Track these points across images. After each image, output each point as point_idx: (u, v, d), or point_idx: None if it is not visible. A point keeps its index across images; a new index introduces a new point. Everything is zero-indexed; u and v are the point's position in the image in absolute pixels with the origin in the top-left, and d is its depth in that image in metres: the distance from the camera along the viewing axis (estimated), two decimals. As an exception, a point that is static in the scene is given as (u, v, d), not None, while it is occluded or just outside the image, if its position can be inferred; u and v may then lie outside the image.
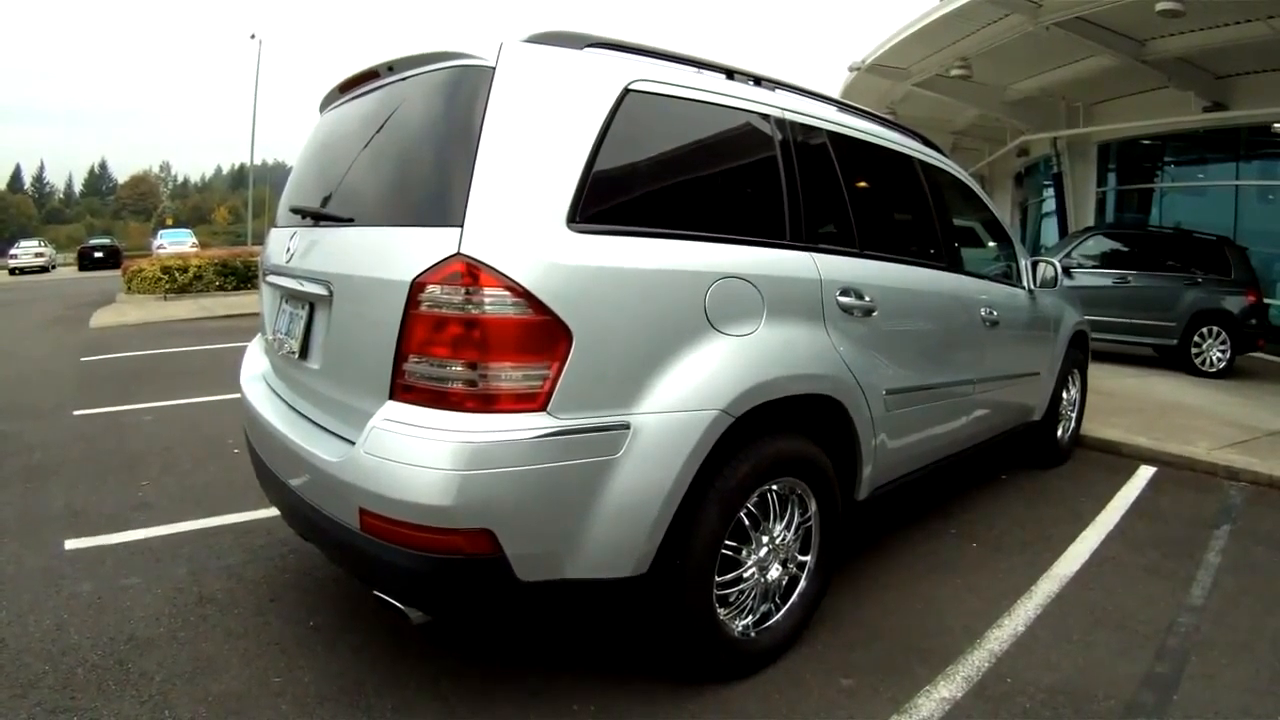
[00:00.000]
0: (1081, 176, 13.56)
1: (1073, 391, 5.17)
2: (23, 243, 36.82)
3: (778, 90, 2.78)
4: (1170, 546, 3.72)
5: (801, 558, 2.60)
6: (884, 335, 2.86)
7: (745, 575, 2.38)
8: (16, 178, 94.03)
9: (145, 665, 2.49)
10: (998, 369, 3.90)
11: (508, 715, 2.27)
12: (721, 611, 2.32)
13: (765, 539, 2.44)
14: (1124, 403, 6.71)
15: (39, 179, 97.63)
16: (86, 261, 32.69)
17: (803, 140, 2.67)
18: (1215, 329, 8.06)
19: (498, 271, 1.76)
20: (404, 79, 2.27)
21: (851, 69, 14.62)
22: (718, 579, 2.26)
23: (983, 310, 3.66)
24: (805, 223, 2.57)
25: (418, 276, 1.81)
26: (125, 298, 16.39)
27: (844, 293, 2.64)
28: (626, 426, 1.90)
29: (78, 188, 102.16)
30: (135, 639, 2.66)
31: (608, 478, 1.87)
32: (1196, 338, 8.17)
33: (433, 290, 1.78)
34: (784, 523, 2.50)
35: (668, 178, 2.25)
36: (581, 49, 2.15)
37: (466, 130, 1.87)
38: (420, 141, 2.08)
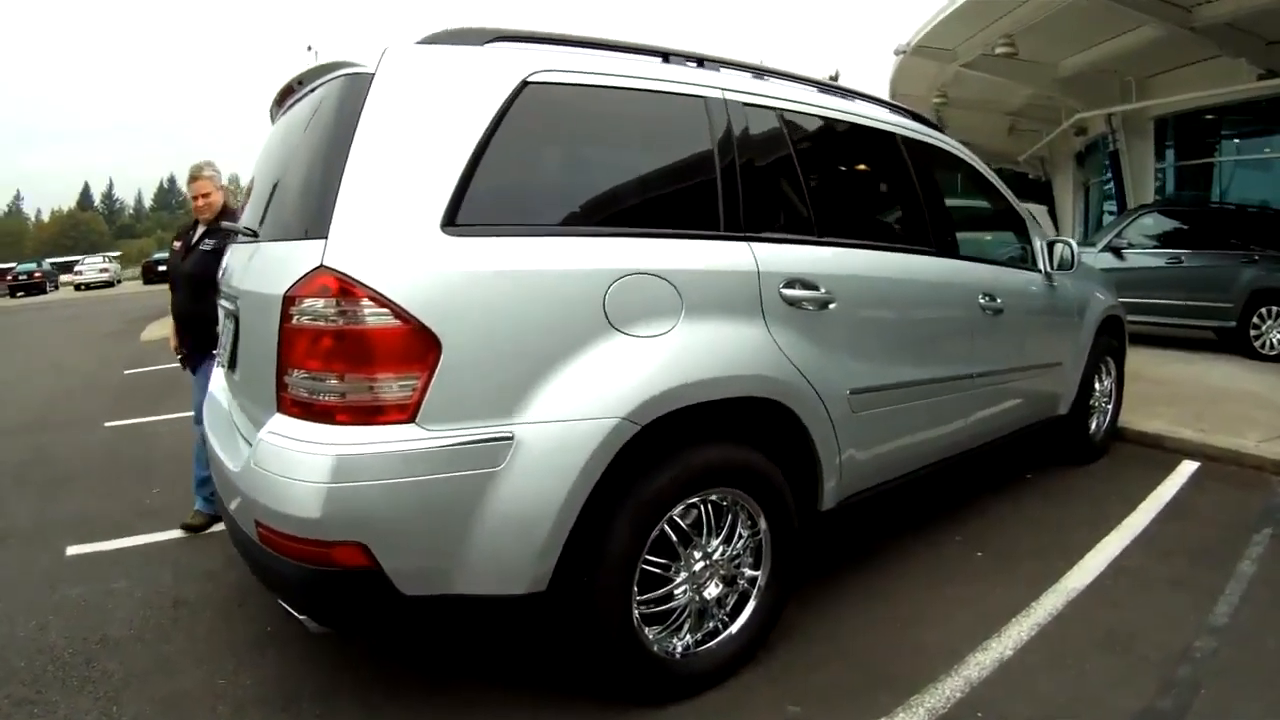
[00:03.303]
0: (1139, 154, 12.57)
1: (1106, 382, 4.67)
2: (87, 259, 38.30)
3: (724, 71, 2.53)
4: (1201, 554, 3.27)
5: (752, 573, 2.36)
6: (846, 329, 2.56)
7: (677, 593, 2.18)
8: (86, 195, 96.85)
9: (109, 665, 2.53)
10: (1005, 361, 3.51)
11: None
12: (652, 630, 2.15)
13: (698, 555, 2.22)
14: (1173, 391, 6.11)
15: (109, 196, 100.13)
16: (151, 275, 32.43)
17: (748, 123, 2.43)
18: (1276, 309, 7.30)
19: (357, 282, 1.68)
20: (310, 92, 2.21)
21: (897, 52, 13.99)
22: (641, 596, 2.10)
23: (982, 298, 3.27)
24: (745, 211, 2.33)
25: (288, 290, 1.76)
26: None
27: (790, 284, 2.37)
28: (509, 438, 1.76)
29: (147, 202, 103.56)
30: (107, 639, 2.71)
31: (489, 492, 1.75)
32: (1256, 319, 7.41)
33: (300, 303, 1.73)
34: (722, 537, 2.27)
35: (571, 172, 2.14)
36: (483, 45, 2.03)
37: (342, 140, 1.81)
38: (307, 154, 2.02)
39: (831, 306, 2.48)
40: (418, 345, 1.69)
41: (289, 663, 2.51)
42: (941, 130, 3.56)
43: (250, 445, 1.94)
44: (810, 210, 2.57)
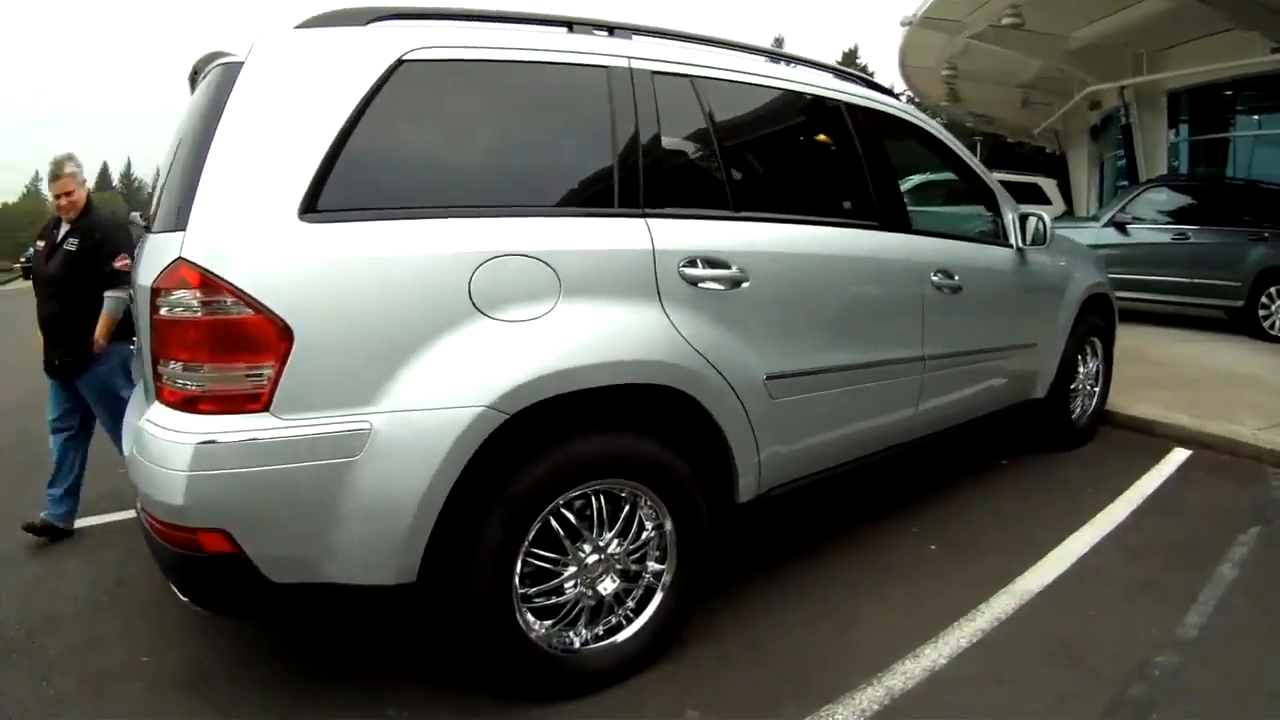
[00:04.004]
0: (1151, 128, 12.02)
1: (1091, 364, 4.32)
2: None
3: (637, 39, 2.36)
4: (1178, 554, 2.95)
5: (657, 567, 2.20)
6: (762, 309, 2.33)
7: (566, 587, 2.06)
8: (104, 175, 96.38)
9: (47, 641, 2.52)
10: (966, 342, 3.19)
11: (329, 713, 2.08)
12: (543, 624, 2.04)
13: (588, 549, 2.08)
14: (1173, 373, 5.74)
15: (127, 175, 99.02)
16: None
17: (656, 93, 2.25)
18: (1285, 289, 6.87)
19: (209, 272, 1.65)
20: (203, 81, 2.12)
21: (903, 24, 13.68)
22: (528, 590, 2.00)
23: (936, 275, 2.95)
24: (645, 186, 2.16)
25: (154, 282, 1.74)
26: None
27: (692, 263, 2.18)
28: (366, 427, 1.70)
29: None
30: (50, 616, 2.69)
31: (348, 481, 1.70)
32: (1265, 299, 6.98)
33: (164, 295, 1.71)
34: (616, 530, 2.12)
35: (448, 152, 2.02)
36: (365, 24, 1.95)
37: (209, 131, 1.77)
38: (185, 145, 1.99)
39: (744, 286, 2.27)
40: (269, 335, 1.65)
41: (208, 645, 2.43)
42: (893, 95, 3.25)
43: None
44: (728, 184, 2.38)
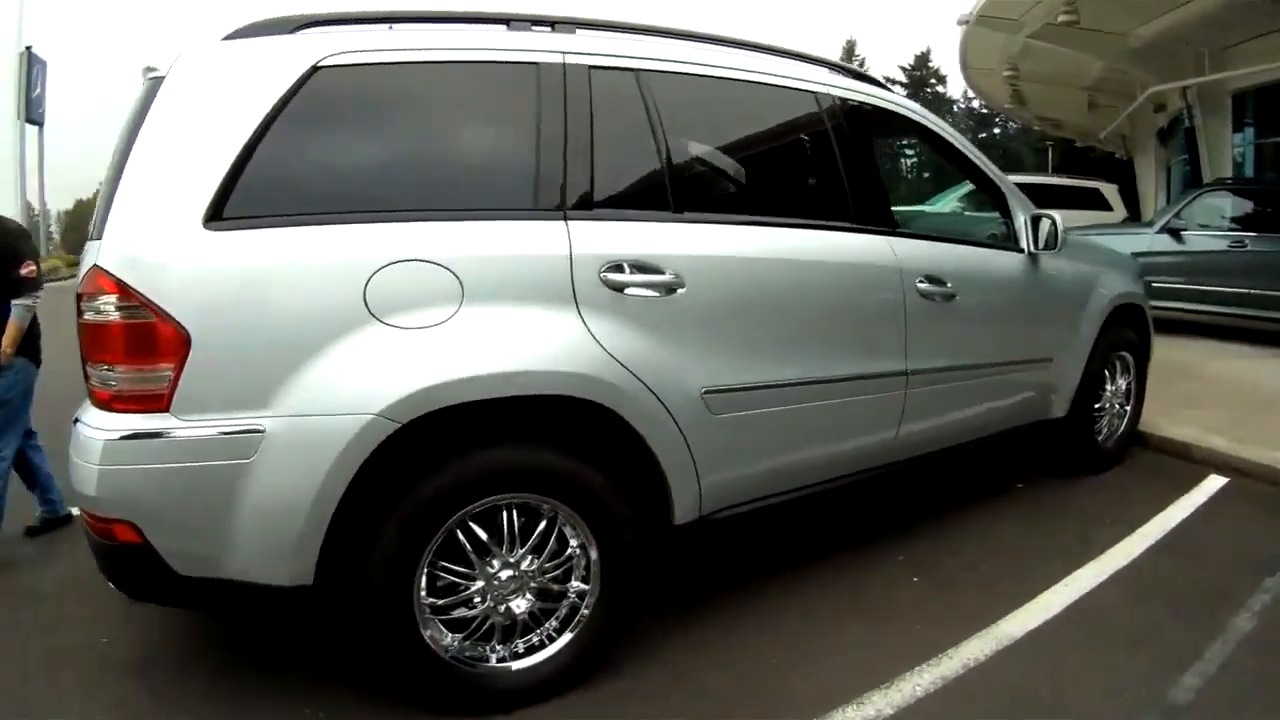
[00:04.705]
0: (1215, 130, 11.17)
1: (1120, 381, 3.92)
2: None
3: (580, 33, 2.28)
4: (1191, 599, 2.60)
5: (581, 586, 2.08)
6: (701, 318, 2.15)
7: (476, 601, 1.98)
8: None
9: (24, 617, 2.58)
10: (962, 356, 2.90)
11: (256, 706, 2.06)
12: (454, 637, 1.96)
13: (498, 564, 1.98)
14: (1222, 391, 5.23)
15: None
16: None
17: (591, 88, 2.15)
18: (1350, 303, 6.24)
19: (116, 279, 1.71)
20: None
21: (960, 22, 13.16)
22: (437, 601, 1.93)
23: (923, 281, 2.67)
24: (568, 187, 2.06)
25: (79, 288, 1.82)
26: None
27: (617, 268, 2.05)
28: (259, 430, 1.71)
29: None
30: (33, 594, 2.76)
31: (242, 482, 1.72)
32: (1328, 314, 6.36)
33: (85, 300, 1.78)
34: (529, 547, 2.01)
35: (360, 157, 2.00)
36: (291, 32, 1.96)
37: (131, 143, 1.83)
38: (115, 158, 1.97)
39: (680, 292, 2.11)
40: (169, 339, 1.69)
41: (152, 632, 2.42)
42: (883, 86, 2.98)
43: None
44: (670, 183, 2.23)
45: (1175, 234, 7.15)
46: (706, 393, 2.15)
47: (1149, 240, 7.27)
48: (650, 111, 2.21)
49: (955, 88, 44.03)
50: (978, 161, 3.16)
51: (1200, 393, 5.11)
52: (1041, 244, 3.14)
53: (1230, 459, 3.87)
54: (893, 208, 2.86)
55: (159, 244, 1.72)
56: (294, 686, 2.11)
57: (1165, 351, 6.17)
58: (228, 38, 1.96)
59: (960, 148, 3.13)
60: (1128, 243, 7.39)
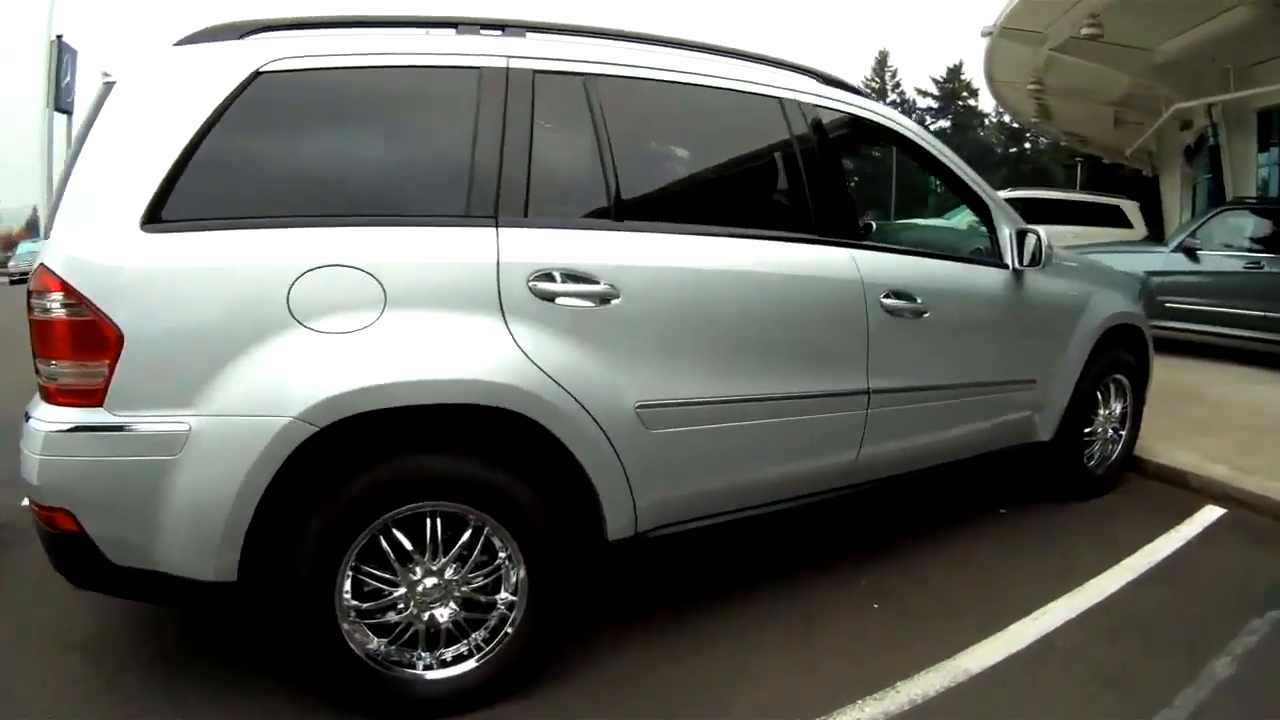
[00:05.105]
0: (1240, 148, 10.85)
1: (1115, 405, 3.73)
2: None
3: (530, 37, 2.23)
4: (1169, 638, 2.43)
5: (510, 598, 2.03)
6: (635, 329, 2.10)
7: (400, 607, 1.96)
8: None
9: None
10: (933, 376, 2.76)
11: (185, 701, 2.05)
12: (380, 642, 1.95)
13: (420, 571, 1.95)
14: (1229, 417, 5.00)
15: None
16: None
17: (535, 93, 2.11)
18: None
19: (58, 278, 1.76)
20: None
21: (984, 34, 12.92)
22: (361, 605, 1.92)
23: (888, 297, 2.53)
24: (502, 194, 2.02)
25: (29, 285, 1.86)
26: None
27: (547, 277, 1.99)
28: (185, 428, 1.75)
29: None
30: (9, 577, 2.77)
31: (169, 478, 1.76)
32: (1347, 338, 6.08)
33: (34, 297, 1.82)
34: (451, 556, 1.97)
35: (296, 162, 2.00)
36: (240, 38, 1.98)
37: (80, 147, 1.87)
38: (69, 160, 2.01)
39: (615, 302, 2.05)
40: (104, 337, 1.73)
41: (110, 620, 2.41)
42: (857, 92, 2.85)
43: None
44: (612, 191, 2.17)
45: (1190, 253, 6.90)
46: (641, 407, 2.08)
47: (1164, 259, 7.03)
48: (596, 117, 2.17)
49: (987, 102, 43.62)
50: (960, 173, 3.01)
51: (1206, 418, 4.89)
52: (1027, 260, 2.98)
53: (1230, 489, 3.67)
54: (908, 219, 2.75)
55: (98, 245, 1.77)
56: (247, 682, 2.11)
57: (1175, 374, 5.97)
58: (179, 43, 1.98)
59: (941, 157, 2.98)
60: (1142, 261, 7.14)
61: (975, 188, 3.03)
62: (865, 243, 2.56)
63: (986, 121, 47.16)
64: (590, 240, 2.08)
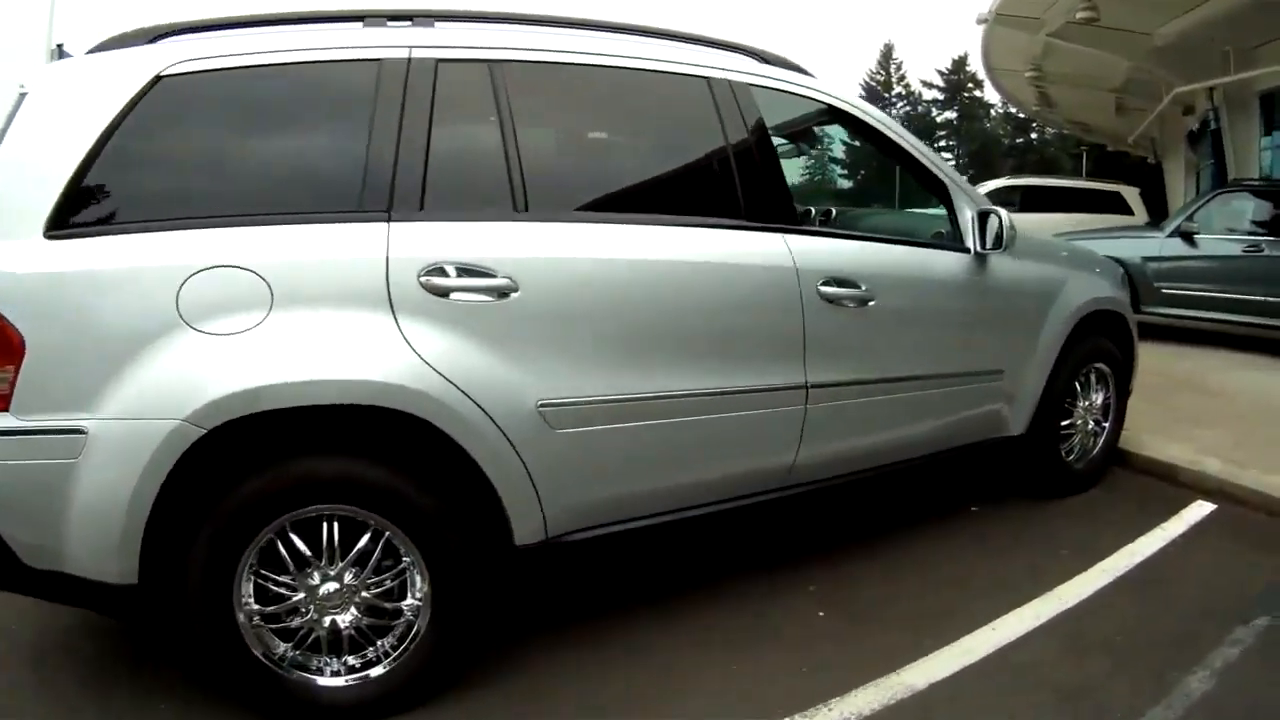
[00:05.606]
0: (1242, 133, 10.44)
1: (1096, 396, 3.48)
2: None
3: (439, 26, 2.17)
4: (1142, 650, 2.21)
5: (416, 604, 1.96)
6: (536, 324, 1.99)
7: (301, 612, 1.91)
8: None
9: None
10: (883, 368, 2.55)
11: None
12: (285, 646, 1.92)
13: (318, 576, 1.90)
14: (1227, 406, 4.73)
15: None
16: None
17: (437, 83, 2.03)
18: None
19: None
20: None
21: (979, 21, 12.54)
22: (265, 609, 1.89)
23: (826, 284, 2.33)
24: (396, 187, 1.94)
25: None
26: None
27: (439, 271, 1.90)
28: (82, 431, 1.73)
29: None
30: None
31: (71, 481, 1.75)
32: (1348, 322, 5.78)
33: None
34: (348, 561, 1.91)
35: (193, 165, 1.98)
36: (149, 42, 1.97)
37: None
38: None
39: (514, 296, 1.95)
40: (9, 344, 1.72)
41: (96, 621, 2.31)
42: (798, 70, 2.65)
43: None
44: (516, 181, 2.07)
45: (1187, 237, 6.60)
46: (544, 406, 1.96)
47: (1159, 244, 6.74)
48: (501, 105, 2.09)
49: (993, 93, 43.16)
50: (914, 151, 2.78)
51: (1200, 408, 4.62)
52: (989, 243, 2.75)
53: (1223, 483, 3.41)
54: (914, 209, 2.58)
55: (4, 255, 1.77)
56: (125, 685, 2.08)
57: (1169, 361, 5.71)
58: (90, 51, 1.98)
59: (893, 135, 2.76)
60: (1137, 247, 6.89)
61: (932, 167, 2.80)
62: (803, 228, 2.38)
63: (993, 112, 46.47)
64: (488, 232, 1.99)
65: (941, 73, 48.14)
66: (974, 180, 14.16)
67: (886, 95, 48.55)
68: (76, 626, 2.33)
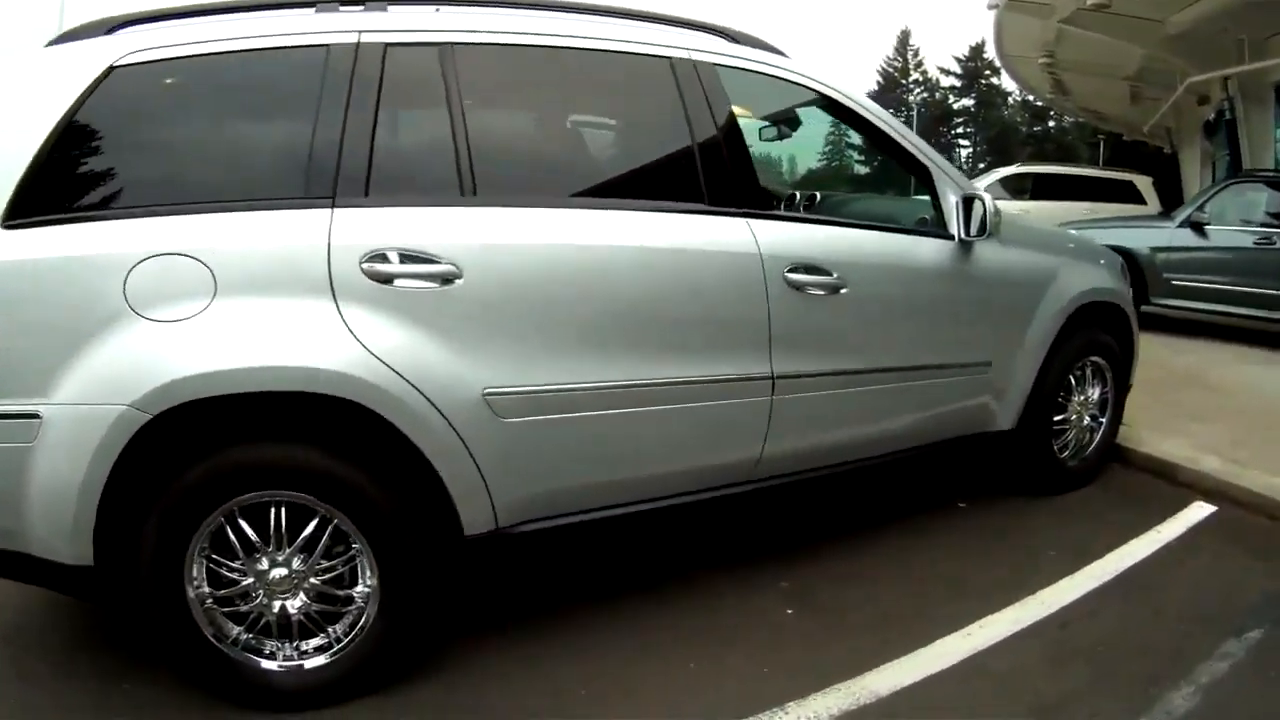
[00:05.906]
0: (1258, 123, 10.14)
1: (1091, 391, 3.33)
2: None
3: (392, 10, 2.13)
4: (1125, 661, 2.08)
5: (366, 591, 1.96)
6: (481, 311, 1.95)
7: (250, 596, 1.94)
8: None
9: None
10: (858, 358, 2.42)
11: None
12: (239, 631, 1.94)
13: (267, 562, 1.90)
14: (1231, 402, 4.55)
15: None
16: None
17: (385, 67, 2.00)
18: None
19: None
20: None
21: (990, 7, 12.30)
22: (218, 592, 1.91)
23: (794, 271, 2.22)
24: (341, 173, 1.92)
25: None
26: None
27: (381, 258, 1.88)
28: (37, 416, 1.76)
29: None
30: None
31: (27, 465, 1.78)
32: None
33: None
34: (295, 547, 1.91)
35: (144, 154, 1.97)
36: (107, 33, 1.97)
37: None
38: None
39: (459, 283, 1.92)
40: None
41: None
42: (770, 50, 2.53)
43: None
44: (463, 166, 2.03)
45: (1198, 228, 6.40)
46: (489, 394, 1.92)
47: (1169, 235, 6.54)
48: (451, 89, 2.05)
49: (1010, 80, 42.63)
50: (894, 134, 2.64)
51: (1205, 404, 4.45)
52: (974, 229, 2.61)
53: (1224, 484, 3.26)
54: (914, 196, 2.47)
55: None
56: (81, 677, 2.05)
57: (1175, 355, 5.53)
58: (50, 43, 2.00)
59: (872, 118, 2.62)
60: (1146, 236, 6.70)
61: (914, 150, 2.66)
62: (770, 213, 2.28)
63: (1010, 100, 45.80)
64: (432, 218, 1.95)
65: (959, 59, 47.50)
66: (989, 167, 13.87)
67: (904, 82, 48.02)
68: (46, 606, 2.31)
